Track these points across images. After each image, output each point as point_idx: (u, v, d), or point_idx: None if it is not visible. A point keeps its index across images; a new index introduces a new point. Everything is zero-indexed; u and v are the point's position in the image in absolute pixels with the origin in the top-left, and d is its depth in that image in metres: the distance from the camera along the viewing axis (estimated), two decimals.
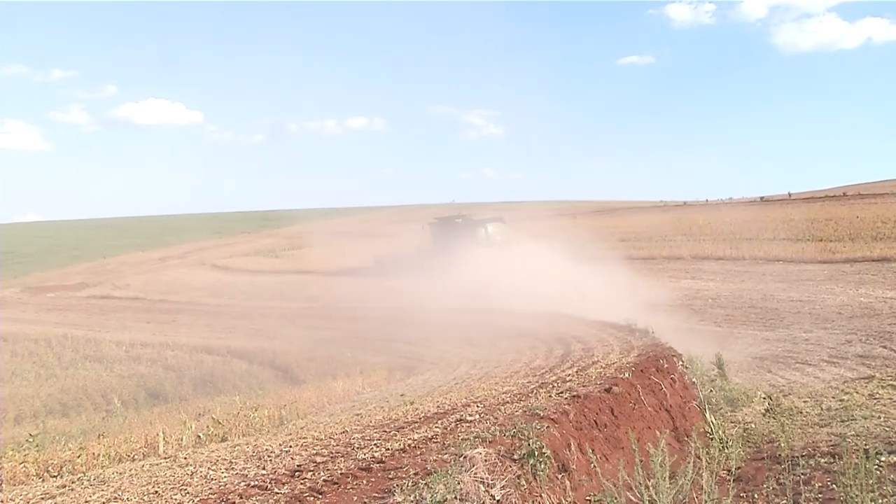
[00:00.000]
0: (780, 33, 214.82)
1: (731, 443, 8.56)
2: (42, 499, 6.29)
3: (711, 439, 8.74)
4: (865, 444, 7.53)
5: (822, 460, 7.71)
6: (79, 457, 8.61)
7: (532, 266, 28.25)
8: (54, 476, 7.89)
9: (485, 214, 39.44)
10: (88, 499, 5.99)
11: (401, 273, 33.24)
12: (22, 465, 8.35)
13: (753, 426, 10.05)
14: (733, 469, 7.50)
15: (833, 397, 11.42)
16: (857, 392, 11.52)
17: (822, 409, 10.72)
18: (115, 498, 5.89)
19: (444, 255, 32.82)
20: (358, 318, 26.14)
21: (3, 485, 7.64)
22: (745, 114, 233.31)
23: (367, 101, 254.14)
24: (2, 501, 6.35)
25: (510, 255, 31.27)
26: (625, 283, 25.54)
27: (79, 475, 7.40)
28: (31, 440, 9.52)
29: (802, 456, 7.83)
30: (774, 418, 9.91)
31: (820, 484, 6.92)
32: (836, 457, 7.55)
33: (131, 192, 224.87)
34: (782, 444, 8.26)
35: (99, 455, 8.99)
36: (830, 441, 8.62)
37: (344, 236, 62.79)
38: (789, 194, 73.47)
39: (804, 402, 11.36)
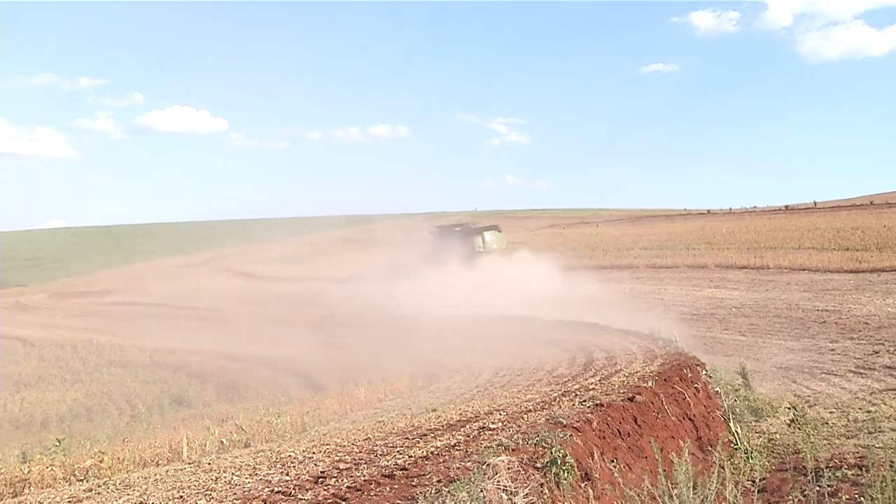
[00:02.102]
0: (805, 41, 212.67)
1: (755, 453, 8.48)
2: (69, 502, 6.38)
3: (735, 449, 8.66)
4: (893, 457, 7.42)
5: (849, 472, 7.60)
6: (103, 461, 8.71)
7: (524, 273, 28.50)
8: (81, 480, 7.99)
9: (490, 222, 40.19)
10: (115, 503, 6.07)
11: (402, 280, 33.53)
12: (49, 468, 8.46)
13: (778, 437, 9.94)
14: (758, 480, 7.42)
15: (860, 408, 11.26)
16: (884, 403, 11.36)
17: (848, 420, 10.57)
18: (141, 502, 5.95)
19: (443, 261, 33.19)
20: (376, 325, 26.17)
21: (32, 487, 7.76)
22: (770, 122, 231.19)
23: (391, 108, 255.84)
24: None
25: (506, 262, 31.69)
26: (620, 291, 25.57)
27: (105, 479, 7.48)
28: (57, 444, 9.64)
29: (828, 468, 7.72)
30: (800, 429, 9.79)
31: (847, 496, 6.82)
32: (864, 469, 7.44)
33: (156, 198, 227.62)
34: (808, 456, 8.16)
35: (124, 459, 9.09)
36: (857, 453, 8.50)
37: (367, 243, 62.94)
38: (815, 203, 72.45)
39: (830, 413, 11.21)
